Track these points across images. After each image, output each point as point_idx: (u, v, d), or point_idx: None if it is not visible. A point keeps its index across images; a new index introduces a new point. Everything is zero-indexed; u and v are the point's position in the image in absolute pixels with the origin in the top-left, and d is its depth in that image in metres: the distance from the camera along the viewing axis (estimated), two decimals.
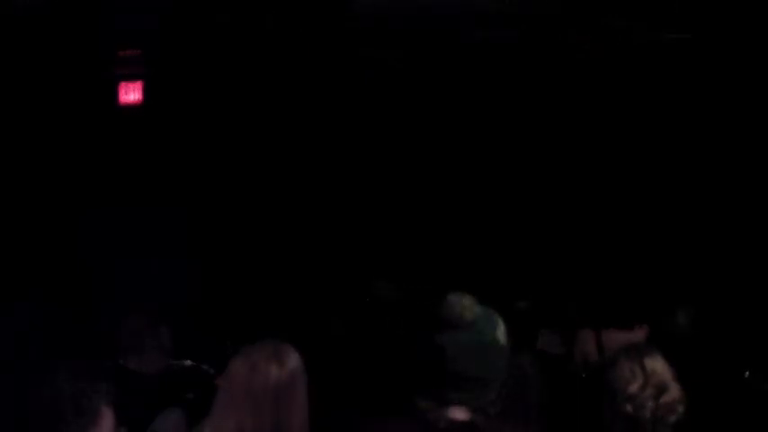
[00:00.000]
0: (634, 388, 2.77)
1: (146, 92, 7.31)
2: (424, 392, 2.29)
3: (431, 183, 8.10)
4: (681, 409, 2.77)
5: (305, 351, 2.59)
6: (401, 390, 2.42)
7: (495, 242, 7.84)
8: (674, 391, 2.78)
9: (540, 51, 6.67)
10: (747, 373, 4.45)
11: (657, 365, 2.81)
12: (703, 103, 7.28)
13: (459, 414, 2.28)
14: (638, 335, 4.77)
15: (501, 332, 2.31)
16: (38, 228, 7.20)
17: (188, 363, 4.37)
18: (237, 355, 2.48)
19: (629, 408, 2.75)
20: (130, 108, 7.39)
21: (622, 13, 5.24)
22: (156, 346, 4.14)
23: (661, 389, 2.76)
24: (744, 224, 7.14)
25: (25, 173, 7.19)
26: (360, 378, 6.77)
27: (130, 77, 7.63)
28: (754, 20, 5.08)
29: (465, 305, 2.27)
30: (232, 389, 2.39)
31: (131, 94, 7.69)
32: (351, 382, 6.74)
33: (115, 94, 7.64)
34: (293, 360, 2.44)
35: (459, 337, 2.23)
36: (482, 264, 7.60)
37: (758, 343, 4.98)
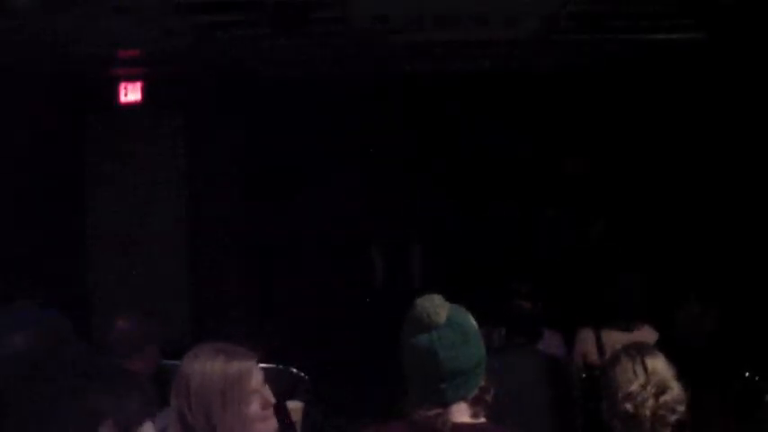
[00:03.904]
0: (635, 386, 2.76)
1: None
2: (420, 393, 2.31)
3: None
4: (681, 408, 2.76)
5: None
6: (398, 393, 2.44)
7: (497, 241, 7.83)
8: (675, 391, 2.77)
9: None
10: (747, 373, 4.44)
11: (659, 365, 2.81)
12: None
13: (461, 417, 2.29)
14: (638, 335, 4.76)
15: (472, 320, 2.39)
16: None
17: None
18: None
19: (629, 406, 2.75)
20: None
21: None
22: (153, 346, 4.15)
23: (662, 388, 2.75)
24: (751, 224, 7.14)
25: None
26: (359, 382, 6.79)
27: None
28: None
29: (437, 305, 2.31)
30: (173, 384, 2.42)
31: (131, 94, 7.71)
32: (350, 386, 6.76)
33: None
34: (227, 363, 2.43)
35: (440, 335, 2.27)
36: (482, 264, 7.60)
37: (759, 343, 4.98)
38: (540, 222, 7.88)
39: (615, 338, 4.73)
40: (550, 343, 4.98)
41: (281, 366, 4.42)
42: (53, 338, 3.62)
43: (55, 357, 3.15)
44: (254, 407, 2.44)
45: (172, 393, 2.44)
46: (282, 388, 3.97)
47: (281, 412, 3.04)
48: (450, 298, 2.40)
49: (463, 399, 2.30)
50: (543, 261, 7.65)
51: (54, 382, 2.50)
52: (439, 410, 2.28)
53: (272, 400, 2.51)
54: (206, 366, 2.41)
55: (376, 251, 7.75)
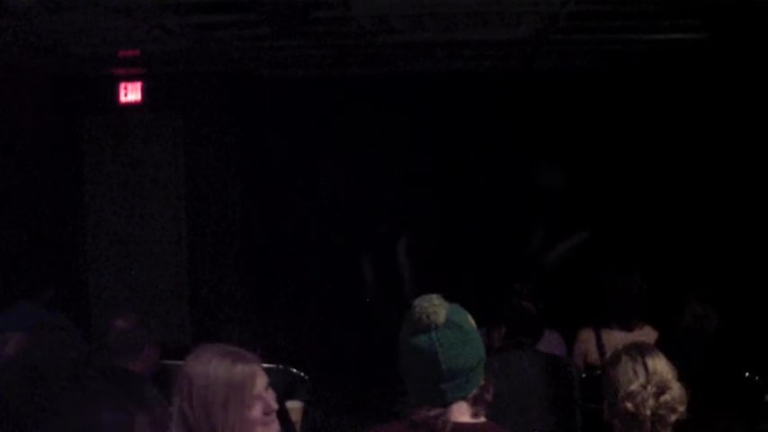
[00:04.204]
0: (635, 386, 2.76)
1: None
2: (420, 394, 2.31)
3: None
4: (681, 408, 2.76)
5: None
6: (398, 393, 2.44)
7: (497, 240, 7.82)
8: (676, 391, 2.77)
9: None
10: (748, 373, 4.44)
11: (659, 365, 2.81)
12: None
13: (461, 416, 2.29)
14: (638, 334, 4.77)
15: (471, 319, 2.39)
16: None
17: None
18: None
19: (629, 406, 2.75)
20: None
21: None
22: (153, 346, 4.15)
23: (662, 388, 2.76)
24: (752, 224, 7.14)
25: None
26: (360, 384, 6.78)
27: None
28: None
29: (436, 305, 2.31)
30: (176, 384, 2.42)
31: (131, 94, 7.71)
32: (351, 387, 6.76)
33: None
34: (231, 366, 2.43)
35: (439, 335, 2.27)
36: (482, 264, 7.59)
37: (759, 343, 4.98)
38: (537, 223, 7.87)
39: (615, 338, 4.74)
40: (550, 342, 4.98)
41: (281, 366, 4.42)
42: (54, 339, 3.62)
43: (56, 358, 3.15)
44: (256, 412, 2.44)
45: (174, 393, 2.44)
46: (282, 388, 3.97)
47: (280, 413, 3.04)
48: (449, 297, 2.39)
49: (463, 398, 2.30)
50: (542, 261, 7.65)
51: (54, 383, 2.50)
52: (439, 411, 2.28)
53: (275, 406, 2.51)
54: (210, 368, 2.41)
55: (366, 259, 7.71)
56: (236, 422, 2.39)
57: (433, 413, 2.27)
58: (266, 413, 2.47)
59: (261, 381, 2.48)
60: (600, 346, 4.91)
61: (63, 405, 2.40)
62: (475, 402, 2.32)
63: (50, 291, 5.51)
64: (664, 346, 3.02)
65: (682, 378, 2.82)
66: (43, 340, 3.40)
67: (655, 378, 2.77)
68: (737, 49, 5.75)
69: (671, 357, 2.88)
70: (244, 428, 2.40)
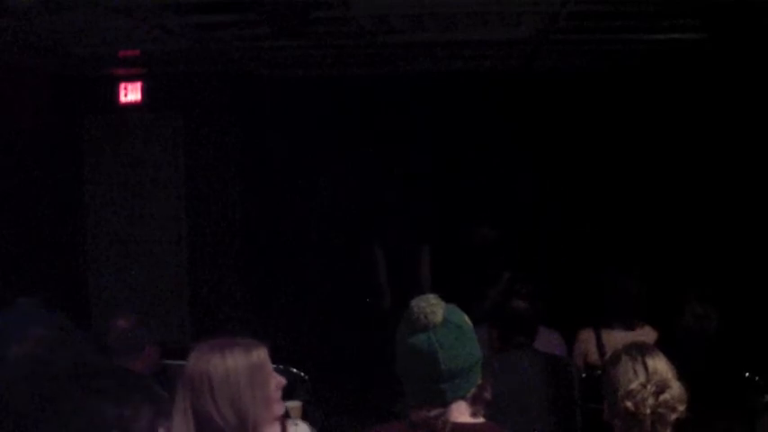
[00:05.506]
0: (635, 385, 2.77)
1: None
2: (419, 394, 2.31)
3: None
4: (681, 407, 2.77)
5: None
6: (398, 393, 2.44)
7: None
8: (675, 390, 2.78)
9: None
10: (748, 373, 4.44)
11: (659, 364, 2.81)
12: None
13: (460, 416, 2.29)
14: (638, 334, 4.77)
15: (467, 318, 2.39)
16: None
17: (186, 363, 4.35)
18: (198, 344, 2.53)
19: (629, 404, 2.75)
20: None
21: None
22: (154, 346, 4.15)
23: (662, 387, 2.76)
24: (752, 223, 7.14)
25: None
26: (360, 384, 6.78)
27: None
28: None
29: (433, 304, 2.30)
30: (187, 383, 2.42)
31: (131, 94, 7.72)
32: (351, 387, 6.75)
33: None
34: (246, 353, 2.45)
35: (438, 335, 2.27)
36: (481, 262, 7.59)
37: (759, 343, 4.98)
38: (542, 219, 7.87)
39: (615, 338, 4.74)
40: (550, 342, 4.97)
41: (281, 366, 4.42)
42: (55, 338, 3.62)
43: (56, 357, 3.15)
44: (273, 389, 2.49)
45: (186, 393, 2.41)
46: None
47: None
48: (448, 297, 2.39)
49: (462, 398, 2.30)
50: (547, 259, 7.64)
51: (55, 382, 2.50)
52: (439, 411, 2.28)
53: (284, 380, 2.56)
54: (227, 360, 2.42)
55: (378, 252, 7.67)
56: (262, 404, 2.43)
57: (432, 413, 2.27)
58: (278, 388, 2.53)
59: (269, 360, 2.54)
60: (600, 346, 4.91)
61: (63, 405, 2.40)
62: (474, 401, 2.32)
63: (44, 290, 5.49)
64: (664, 346, 3.02)
65: (682, 378, 2.82)
66: (44, 340, 3.40)
67: (654, 377, 2.77)
68: (737, 49, 5.76)
69: (671, 357, 2.88)
70: (268, 408, 2.46)
